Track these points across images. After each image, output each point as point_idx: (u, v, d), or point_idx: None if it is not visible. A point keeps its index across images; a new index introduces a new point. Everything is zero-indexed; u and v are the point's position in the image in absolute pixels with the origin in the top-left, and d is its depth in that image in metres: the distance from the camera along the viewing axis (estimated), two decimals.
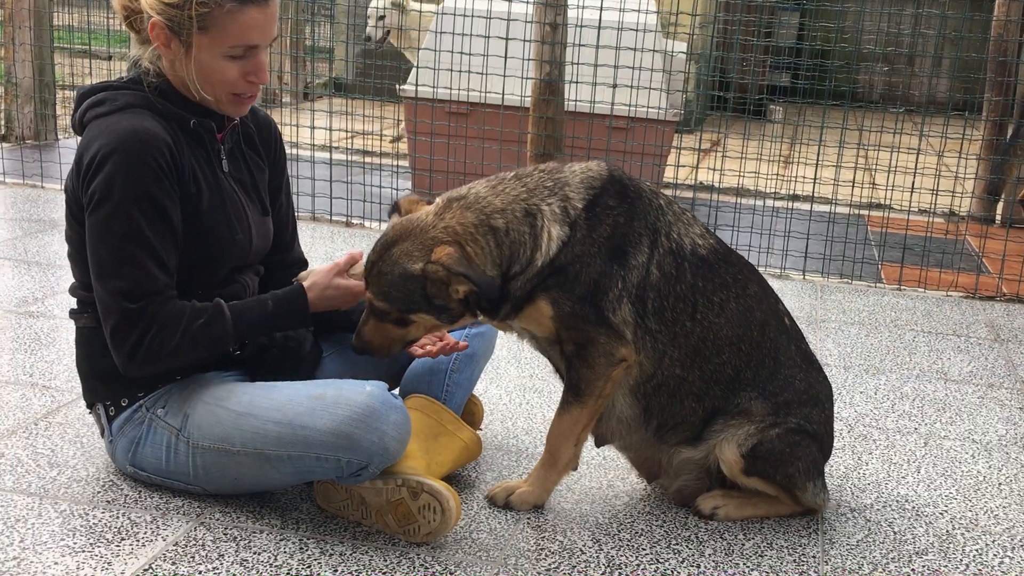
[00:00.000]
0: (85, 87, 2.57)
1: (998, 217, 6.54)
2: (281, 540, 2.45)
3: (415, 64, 7.54)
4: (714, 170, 6.21)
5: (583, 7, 5.79)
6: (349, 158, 6.49)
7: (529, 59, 5.71)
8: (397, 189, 6.09)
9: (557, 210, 2.46)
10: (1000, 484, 3.03)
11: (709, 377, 2.60)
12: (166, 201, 2.40)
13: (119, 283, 2.38)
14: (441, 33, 5.95)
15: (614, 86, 5.69)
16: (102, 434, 2.66)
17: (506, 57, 5.74)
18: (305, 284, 2.57)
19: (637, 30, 5.79)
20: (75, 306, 2.63)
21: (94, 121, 2.45)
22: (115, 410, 2.59)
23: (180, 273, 2.48)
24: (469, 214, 2.43)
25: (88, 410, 2.69)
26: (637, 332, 2.52)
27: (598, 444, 2.76)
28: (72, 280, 2.63)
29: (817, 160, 5.80)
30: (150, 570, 2.30)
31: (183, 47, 2.43)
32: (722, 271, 2.60)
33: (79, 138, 2.50)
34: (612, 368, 2.52)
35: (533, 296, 2.48)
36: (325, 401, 2.39)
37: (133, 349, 2.41)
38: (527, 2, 5.78)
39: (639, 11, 5.88)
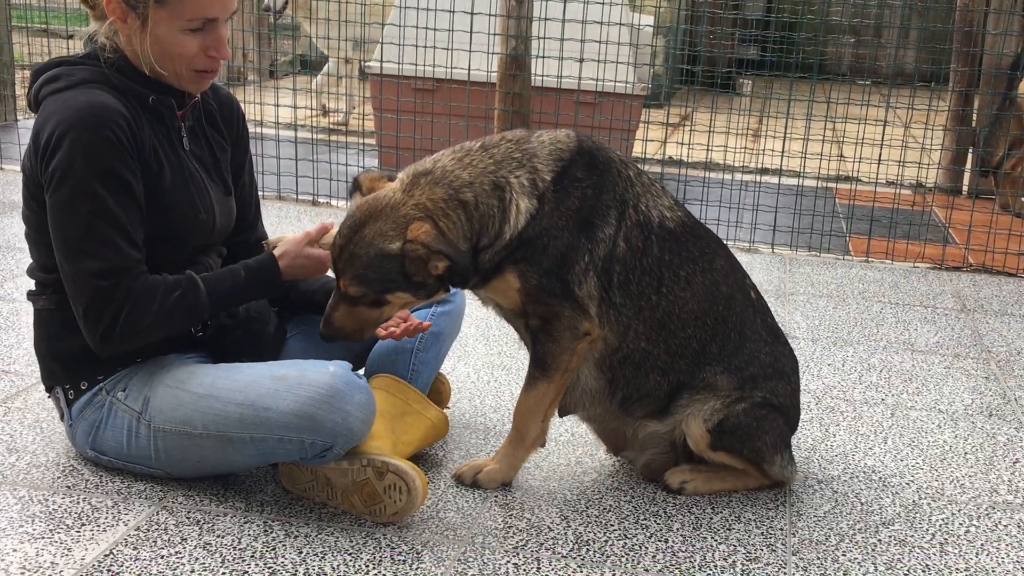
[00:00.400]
0: (40, 64, 2.51)
1: (965, 188, 6.57)
2: (245, 523, 2.42)
3: (310, 35, 7.30)
4: (683, 144, 6.20)
5: None
6: (315, 136, 6.42)
7: (495, 34, 5.66)
8: (363, 167, 6.03)
9: (526, 183, 2.43)
10: (966, 453, 3.04)
11: (674, 351, 2.58)
12: (128, 175, 2.36)
13: (89, 262, 2.33)
14: (406, 8, 5.89)
15: (581, 60, 5.66)
16: (61, 418, 2.61)
17: (471, 32, 5.69)
18: (276, 253, 2.54)
19: (604, 3, 5.74)
20: (33, 287, 2.58)
21: (49, 97, 2.40)
22: (74, 393, 2.54)
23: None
24: (438, 189, 2.39)
25: (47, 394, 2.64)
26: (602, 306, 2.50)
27: (561, 414, 2.75)
28: (30, 261, 2.58)
29: (785, 133, 5.80)
30: (111, 555, 2.26)
31: (139, 20, 2.38)
32: (689, 245, 2.59)
33: (35, 116, 2.45)
34: (577, 342, 2.50)
35: (501, 268, 2.45)
36: (288, 382, 2.36)
37: (108, 328, 2.36)
38: None
39: None
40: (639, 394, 2.62)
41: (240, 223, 2.75)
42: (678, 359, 2.59)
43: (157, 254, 2.48)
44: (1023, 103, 5.99)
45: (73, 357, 2.50)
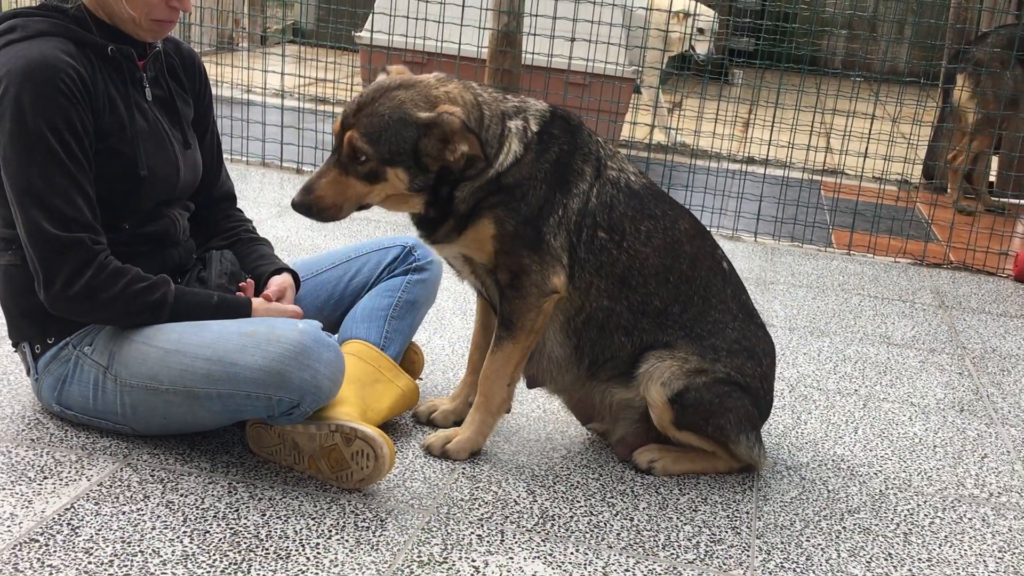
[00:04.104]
0: None
1: (949, 186, 6.57)
2: (209, 483, 2.41)
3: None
4: (671, 130, 6.18)
5: None
6: (301, 104, 6.38)
7: (487, 8, 5.62)
8: None
9: (519, 127, 2.52)
10: (935, 446, 3.05)
11: (637, 308, 2.60)
12: (78, 128, 2.33)
13: (42, 211, 2.30)
14: None
15: (572, 40, 5.63)
16: (28, 373, 2.59)
17: (464, 6, 5.65)
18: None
19: None
20: None
21: (3, 49, 2.37)
22: (41, 348, 2.52)
23: (105, 205, 2.41)
24: (467, 93, 2.48)
25: (13, 348, 2.61)
26: (570, 261, 2.53)
27: (530, 386, 2.76)
28: None
29: (772, 124, 5.79)
30: (72, 509, 2.24)
31: None
32: (651, 204, 2.64)
33: None
34: (543, 299, 2.53)
35: (477, 214, 2.48)
36: (256, 338, 2.34)
37: (66, 284, 2.32)
38: None
39: None
40: (604, 356, 2.63)
41: (204, 179, 2.74)
42: (641, 317, 2.60)
43: (122, 206, 2.46)
44: (967, 100, 5.99)
45: (41, 313, 2.46)
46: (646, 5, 6.83)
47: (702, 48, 6.90)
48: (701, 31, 6.89)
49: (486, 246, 2.50)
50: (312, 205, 2.40)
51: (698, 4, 6.90)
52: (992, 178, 6.48)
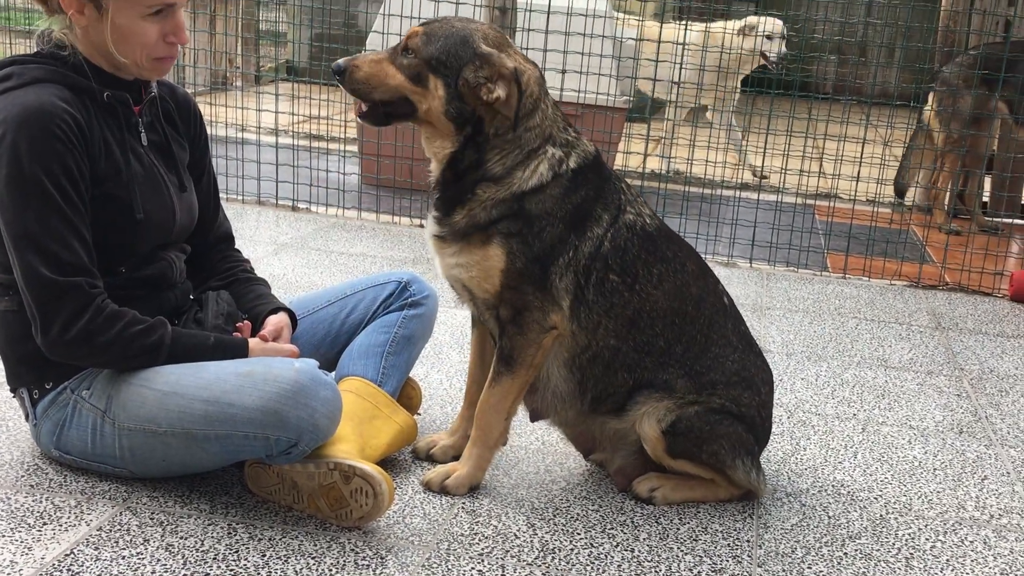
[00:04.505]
0: None
1: (934, 209, 6.59)
2: (209, 525, 2.40)
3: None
4: (665, 158, 6.21)
5: None
6: (296, 142, 6.41)
7: None
8: (344, 174, 6.03)
9: (556, 156, 2.53)
10: (935, 469, 3.05)
11: (642, 348, 2.61)
12: (75, 173, 2.35)
13: (39, 256, 2.31)
14: (389, 15, 5.89)
15: (563, 72, 5.66)
16: (26, 418, 2.59)
17: None
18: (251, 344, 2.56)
19: (587, 15, 5.76)
20: None
21: (0, 96, 2.39)
22: (39, 393, 2.52)
23: (101, 249, 2.42)
24: (537, 87, 2.51)
25: (11, 394, 2.62)
26: (574, 303, 2.54)
27: (533, 419, 2.76)
28: None
29: (764, 150, 5.82)
30: (72, 555, 2.24)
31: (97, 12, 2.38)
32: (663, 247, 2.65)
33: None
34: (543, 335, 2.54)
35: (490, 237, 2.49)
36: (253, 378, 2.35)
37: (63, 328, 2.33)
38: None
39: None
40: (607, 393, 2.65)
41: (200, 222, 2.75)
42: (644, 356, 2.62)
43: (118, 250, 2.47)
44: (933, 119, 6.05)
45: (39, 358, 2.47)
46: (636, 36, 6.89)
47: (775, 52, 7.03)
48: (769, 37, 7.02)
49: (493, 279, 2.52)
50: (347, 70, 2.48)
51: (760, 17, 7.08)
52: (986, 198, 6.51)
